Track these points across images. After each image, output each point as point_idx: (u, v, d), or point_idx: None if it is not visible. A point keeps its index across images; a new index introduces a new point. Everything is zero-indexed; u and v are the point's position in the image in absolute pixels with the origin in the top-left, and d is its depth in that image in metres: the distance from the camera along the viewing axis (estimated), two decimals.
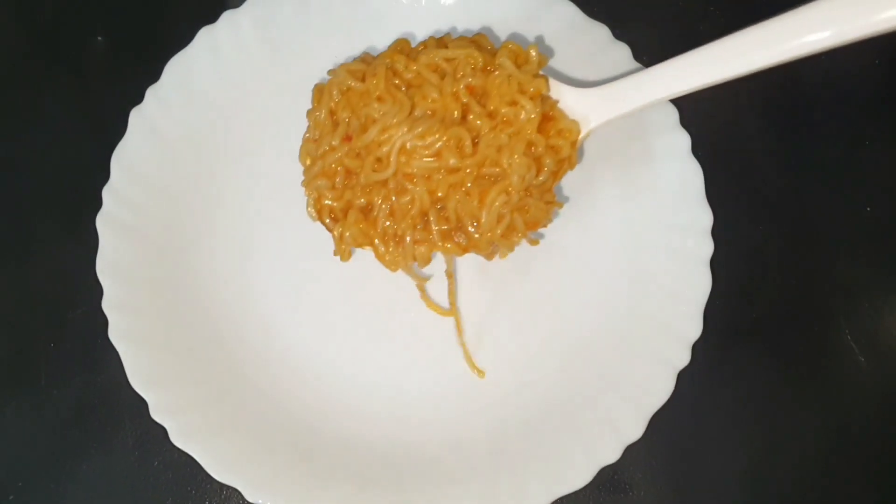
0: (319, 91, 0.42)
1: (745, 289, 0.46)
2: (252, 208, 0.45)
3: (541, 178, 0.39)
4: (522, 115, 0.38)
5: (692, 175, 0.43)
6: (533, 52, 0.39)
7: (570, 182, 0.45)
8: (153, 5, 0.51)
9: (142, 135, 0.44)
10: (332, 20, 0.47)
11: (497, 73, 0.38)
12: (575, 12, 0.46)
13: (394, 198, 0.39)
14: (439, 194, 0.38)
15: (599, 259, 0.44)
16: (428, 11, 0.47)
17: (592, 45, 0.45)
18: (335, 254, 0.41)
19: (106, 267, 0.41)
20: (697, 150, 0.43)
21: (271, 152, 0.46)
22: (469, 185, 0.38)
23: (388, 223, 0.39)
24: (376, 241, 0.40)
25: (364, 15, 0.47)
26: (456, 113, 0.38)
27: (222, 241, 0.45)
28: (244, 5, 0.46)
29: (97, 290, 0.40)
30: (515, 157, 0.37)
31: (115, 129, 0.43)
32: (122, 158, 0.43)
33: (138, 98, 0.44)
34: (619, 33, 0.45)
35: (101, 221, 0.42)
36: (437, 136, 0.37)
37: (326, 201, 0.40)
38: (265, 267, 0.45)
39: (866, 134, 0.50)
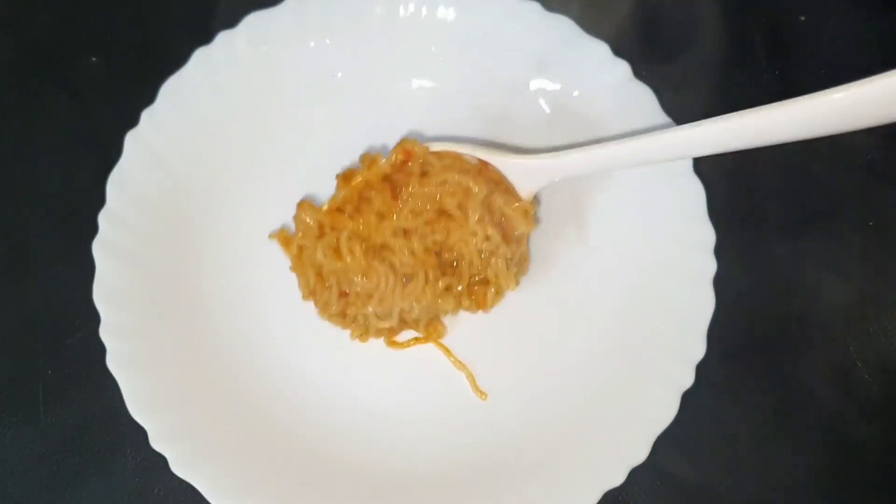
0: (289, 246, 0.42)
1: (748, 307, 0.46)
2: (251, 230, 0.45)
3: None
4: (495, 257, 0.41)
5: (694, 193, 0.43)
6: (475, 189, 0.40)
7: (571, 202, 0.45)
8: (148, 26, 0.51)
9: (138, 158, 0.43)
10: (329, 39, 0.46)
11: (453, 230, 0.41)
12: (573, 28, 0.45)
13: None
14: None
15: (601, 279, 0.44)
16: (426, 28, 0.46)
17: (592, 61, 0.45)
18: (352, 338, 0.43)
19: (103, 293, 0.41)
20: (699, 168, 0.43)
21: (270, 173, 0.46)
22: (464, 299, 0.42)
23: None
24: None
25: (362, 33, 0.46)
26: (432, 259, 0.41)
27: (221, 264, 0.44)
28: (239, 25, 0.45)
29: (95, 314, 0.40)
30: (500, 273, 0.41)
31: (111, 152, 0.43)
32: (118, 182, 0.42)
33: (133, 120, 0.43)
34: (619, 50, 0.45)
35: (97, 247, 0.41)
36: (427, 295, 0.41)
37: (339, 326, 0.43)
38: (266, 290, 0.44)
39: (870, 147, 0.49)
